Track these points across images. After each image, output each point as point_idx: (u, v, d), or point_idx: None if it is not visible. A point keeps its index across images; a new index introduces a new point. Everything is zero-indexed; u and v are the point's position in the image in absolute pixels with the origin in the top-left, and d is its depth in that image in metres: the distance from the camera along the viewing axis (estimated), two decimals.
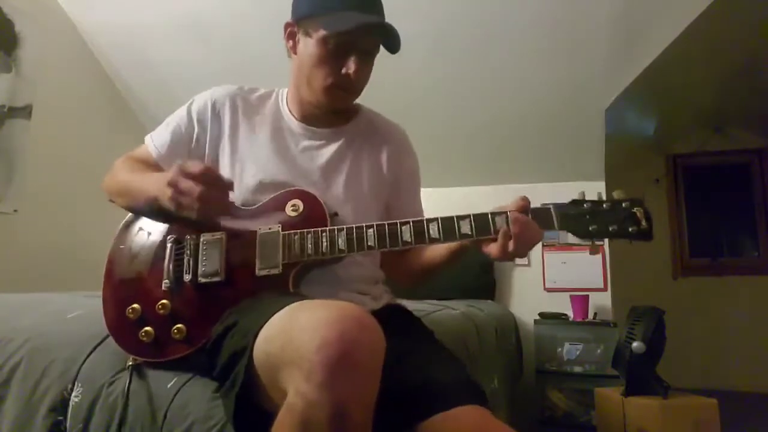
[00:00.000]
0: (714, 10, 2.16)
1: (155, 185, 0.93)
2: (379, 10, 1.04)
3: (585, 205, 0.91)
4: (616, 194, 0.92)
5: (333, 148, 1.10)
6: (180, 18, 2.67)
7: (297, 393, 0.61)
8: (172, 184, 0.88)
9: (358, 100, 1.14)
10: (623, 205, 0.90)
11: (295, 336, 0.65)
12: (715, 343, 3.96)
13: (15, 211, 2.43)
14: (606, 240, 3.15)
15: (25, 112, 2.49)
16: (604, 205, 0.91)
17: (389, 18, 1.04)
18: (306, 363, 0.61)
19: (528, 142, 3.05)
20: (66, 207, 2.66)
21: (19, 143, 2.46)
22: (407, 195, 1.18)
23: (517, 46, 2.50)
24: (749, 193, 4.21)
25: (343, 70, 1.00)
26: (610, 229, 0.90)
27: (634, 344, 2.11)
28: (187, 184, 0.87)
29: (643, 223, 0.89)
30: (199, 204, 0.87)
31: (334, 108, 1.08)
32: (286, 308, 0.73)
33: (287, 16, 1.06)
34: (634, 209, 0.89)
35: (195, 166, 0.88)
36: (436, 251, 1.06)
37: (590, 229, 0.90)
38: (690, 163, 4.33)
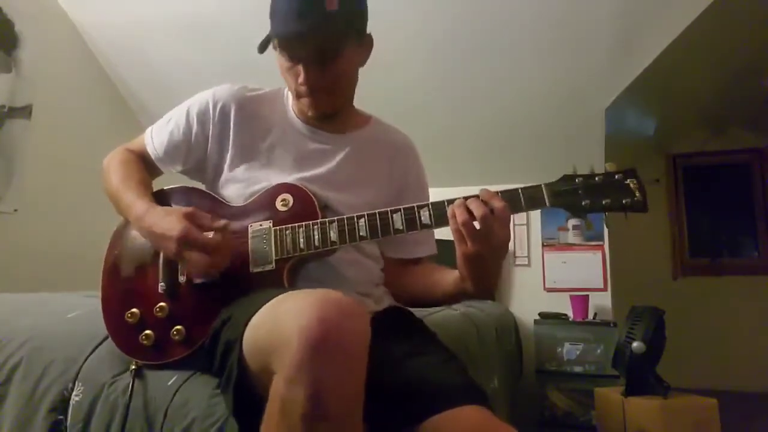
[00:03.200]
0: (714, 9, 2.17)
1: (147, 223, 0.92)
2: (317, 6, 0.90)
3: (577, 180, 0.88)
4: (608, 166, 0.88)
5: (341, 154, 1.07)
6: (180, 18, 2.67)
7: (279, 375, 0.62)
8: (182, 243, 0.87)
9: (360, 105, 1.13)
10: (616, 177, 0.86)
11: (280, 321, 0.66)
12: (715, 343, 3.95)
13: (15, 210, 2.43)
14: (606, 239, 3.10)
15: (25, 112, 2.49)
16: (597, 179, 0.87)
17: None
18: (287, 346, 0.61)
19: (528, 142, 3.05)
20: (66, 207, 2.66)
21: (19, 143, 2.46)
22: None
23: (517, 45, 2.50)
24: (749, 193, 4.20)
25: (298, 80, 0.97)
26: (604, 202, 0.86)
27: (634, 344, 2.11)
28: (196, 256, 0.87)
29: (637, 194, 0.85)
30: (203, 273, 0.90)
31: (317, 113, 1.03)
32: (275, 298, 0.73)
33: None
34: (627, 181, 0.86)
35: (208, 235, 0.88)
36: (444, 278, 1.03)
37: (583, 204, 0.87)
38: (690, 163, 4.32)
